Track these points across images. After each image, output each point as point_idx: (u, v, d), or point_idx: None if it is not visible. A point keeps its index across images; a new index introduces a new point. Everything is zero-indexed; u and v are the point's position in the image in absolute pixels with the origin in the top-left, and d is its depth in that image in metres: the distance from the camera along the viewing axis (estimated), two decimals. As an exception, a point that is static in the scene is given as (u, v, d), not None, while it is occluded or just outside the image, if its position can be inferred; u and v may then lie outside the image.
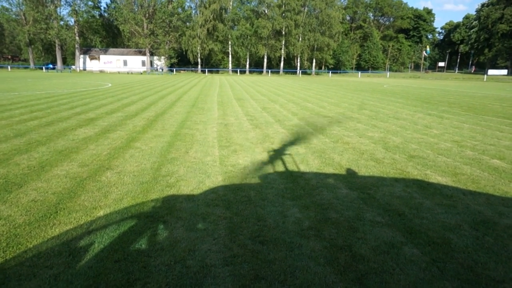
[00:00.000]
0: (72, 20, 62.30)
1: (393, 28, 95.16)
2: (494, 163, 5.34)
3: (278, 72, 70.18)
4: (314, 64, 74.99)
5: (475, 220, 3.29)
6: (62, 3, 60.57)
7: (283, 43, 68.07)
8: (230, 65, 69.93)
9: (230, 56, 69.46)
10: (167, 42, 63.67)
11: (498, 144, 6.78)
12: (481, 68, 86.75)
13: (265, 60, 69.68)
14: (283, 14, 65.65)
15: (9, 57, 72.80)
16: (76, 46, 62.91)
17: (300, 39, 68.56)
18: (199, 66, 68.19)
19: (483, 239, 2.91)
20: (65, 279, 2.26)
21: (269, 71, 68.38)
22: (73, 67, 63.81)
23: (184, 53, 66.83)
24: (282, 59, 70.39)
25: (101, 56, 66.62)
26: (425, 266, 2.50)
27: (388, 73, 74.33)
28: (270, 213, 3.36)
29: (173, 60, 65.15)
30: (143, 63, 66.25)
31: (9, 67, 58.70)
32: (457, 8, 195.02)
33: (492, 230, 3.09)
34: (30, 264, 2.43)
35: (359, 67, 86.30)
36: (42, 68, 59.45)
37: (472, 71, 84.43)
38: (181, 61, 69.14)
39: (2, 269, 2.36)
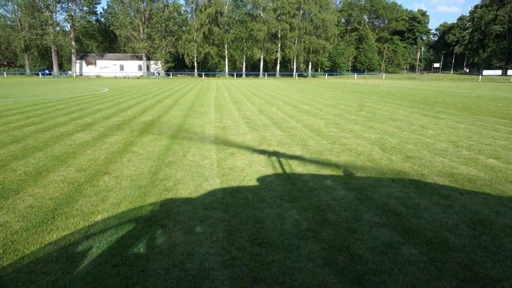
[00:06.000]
0: (68, 25, 62.30)
1: (388, 30, 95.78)
2: (490, 163, 5.37)
3: (274, 75, 70.35)
4: (310, 66, 75.29)
5: (472, 219, 3.30)
6: (57, 8, 60.55)
7: (279, 46, 68.32)
8: (226, 68, 70.07)
9: (226, 59, 69.61)
10: (163, 47, 63.73)
11: (493, 143, 6.82)
12: (477, 69, 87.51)
13: (261, 63, 69.85)
14: (279, 17, 65.94)
15: (5, 63, 72.53)
16: (73, 51, 62.82)
17: (296, 42, 68.84)
18: (196, 70, 68.23)
19: (481, 238, 2.93)
20: (63, 285, 2.25)
21: (266, 74, 68.55)
22: (69, 72, 63.67)
23: (180, 57, 66.91)
24: (278, 62, 70.63)
25: (98, 61, 66.56)
26: (423, 266, 2.50)
27: (383, 75, 74.78)
28: (268, 215, 3.36)
29: (169, 64, 65.18)
30: (140, 68, 66.21)
31: (5, 73, 58.47)
32: (450, 10, 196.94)
33: (489, 229, 3.11)
34: (28, 270, 2.41)
35: (355, 69, 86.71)
36: (38, 74, 59.27)
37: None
38: (177, 65, 69.19)
39: (-1, 276, 2.35)
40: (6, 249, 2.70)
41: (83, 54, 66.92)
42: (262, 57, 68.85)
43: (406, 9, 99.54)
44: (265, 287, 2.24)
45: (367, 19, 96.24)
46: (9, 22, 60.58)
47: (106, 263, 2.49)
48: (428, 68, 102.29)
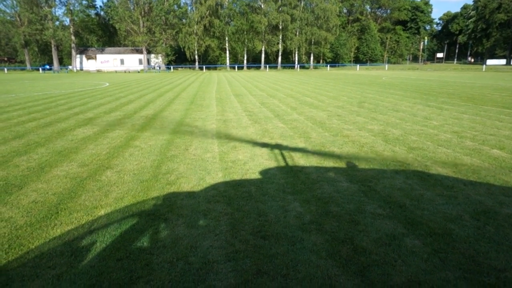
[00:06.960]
0: (68, 20, 62.02)
1: (390, 20, 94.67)
2: (494, 153, 5.34)
3: (276, 67, 69.95)
4: (312, 58, 74.73)
5: (476, 210, 3.29)
6: (56, 3, 60.25)
7: (280, 37, 67.77)
8: (227, 61, 69.68)
9: (227, 52, 69.17)
10: (163, 40, 63.36)
11: (497, 134, 6.77)
12: (481, 59, 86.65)
13: (263, 55, 69.40)
14: (279, 9, 65.29)
15: (5, 59, 72.47)
16: (72, 46, 62.60)
17: (297, 33, 68.25)
18: (197, 63, 67.91)
19: (484, 229, 2.92)
20: (68, 279, 2.27)
21: (267, 66, 68.14)
22: (69, 67, 63.53)
23: (181, 50, 66.54)
24: (280, 53, 70.13)
25: (98, 56, 66.32)
26: (426, 257, 2.50)
27: (386, 65, 74.13)
28: (271, 208, 3.36)
29: (170, 58, 64.87)
30: (140, 62, 65.96)
31: (5, 69, 58.44)
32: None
33: (493, 219, 3.09)
34: (33, 265, 2.43)
35: (357, 60, 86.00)
36: (38, 69, 59.18)
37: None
38: (178, 58, 68.85)
39: (5, 271, 2.37)
40: (11, 244, 2.72)
41: (83, 49, 66.67)
42: (263, 49, 68.37)
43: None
44: (269, 279, 2.25)
45: (369, 9, 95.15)
46: (8, 18, 60.36)
47: (110, 257, 2.50)
48: (431, 58, 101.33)
